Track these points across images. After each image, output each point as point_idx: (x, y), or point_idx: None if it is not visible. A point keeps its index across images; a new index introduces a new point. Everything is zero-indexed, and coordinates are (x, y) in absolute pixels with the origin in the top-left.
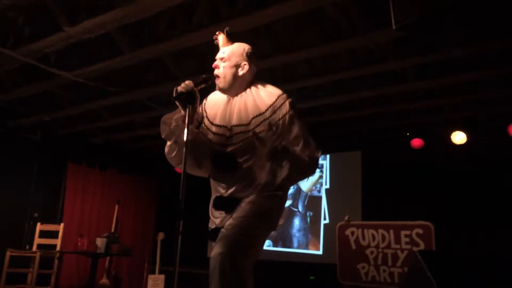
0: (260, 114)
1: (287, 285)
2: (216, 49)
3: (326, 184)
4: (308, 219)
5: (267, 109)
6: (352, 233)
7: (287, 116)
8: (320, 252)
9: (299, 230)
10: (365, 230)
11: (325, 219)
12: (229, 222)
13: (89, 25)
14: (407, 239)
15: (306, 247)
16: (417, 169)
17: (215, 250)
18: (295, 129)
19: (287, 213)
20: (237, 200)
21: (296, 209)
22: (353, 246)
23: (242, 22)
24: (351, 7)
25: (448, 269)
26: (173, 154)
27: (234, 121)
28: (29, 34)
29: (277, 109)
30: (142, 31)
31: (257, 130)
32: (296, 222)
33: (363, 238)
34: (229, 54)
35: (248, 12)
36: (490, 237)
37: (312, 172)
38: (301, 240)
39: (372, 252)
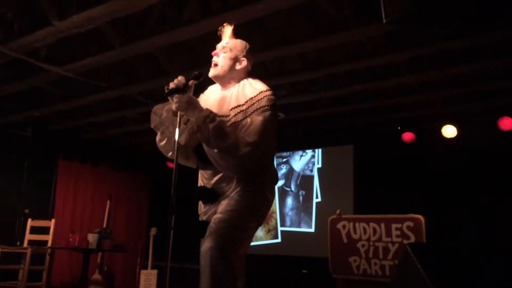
0: (238, 105)
1: (280, 279)
2: (208, 43)
3: (318, 164)
4: (301, 198)
5: (246, 101)
6: (344, 226)
7: (260, 110)
8: (312, 229)
9: (291, 209)
10: (357, 224)
11: (317, 197)
12: (216, 216)
13: (78, 19)
14: (398, 232)
15: (299, 225)
16: (408, 163)
17: (204, 244)
18: (253, 118)
19: (280, 193)
20: (217, 192)
21: (288, 189)
22: (345, 240)
23: (234, 16)
24: (343, 1)
25: (438, 262)
26: (163, 143)
27: (217, 111)
28: (18, 29)
29: (255, 103)
30: (133, 25)
31: (233, 120)
32: (289, 201)
33: (355, 232)
34: (232, 47)
35: (240, 6)
36: (480, 230)
37: (237, 157)
38: (294, 218)
39: (363, 246)
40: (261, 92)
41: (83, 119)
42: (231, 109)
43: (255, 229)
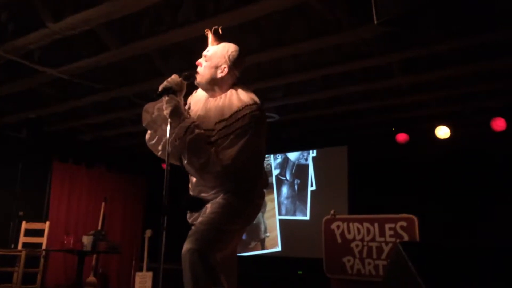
0: (222, 120)
1: (275, 280)
2: (204, 45)
3: (313, 153)
4: (296, 187)
5: (231, 115)
6: (338, 227)
7: (242, 128)
8: (307, 217)
9: (287, 198)
10: (351, 224)
11: (312, 186)
12: (199, 219)
13: (73, 21)
14: (392, 232)
15: (294, 214)
16: (402, 163)
17: (185, 246)
18: (233, 139)
19: (275, 183)
20: (202, 201)
21: (284, 178)
22: (339, 240)
23: (229, 17)
24: (337, 2)
25: (430, 260)
26: (153, 141)
27: (204, 124)
28: (12, 30)
29: (239, 119)
30: (128, 27)
31: (217, 136)
32: (284, 190)
33: (349, 232)
34: (212, 54)
35: (234, 7)
36: (474, 229)
37: (209, 171)
38: (289, 207)
39: (357, 246)
40: (246, 106)
41: (78, 120)
42: (215, 124)
43: (240, 231)
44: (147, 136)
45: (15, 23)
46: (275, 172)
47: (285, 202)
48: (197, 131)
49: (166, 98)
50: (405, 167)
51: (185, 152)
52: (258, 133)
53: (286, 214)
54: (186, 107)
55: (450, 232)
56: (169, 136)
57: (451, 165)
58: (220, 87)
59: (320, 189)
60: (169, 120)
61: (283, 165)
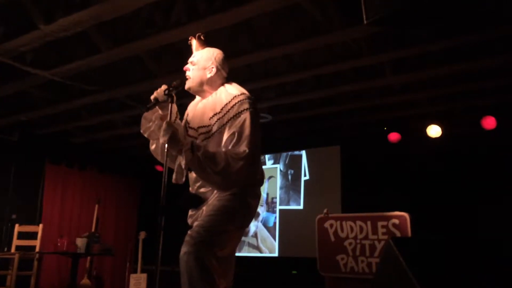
0: (216, 113)
1: (270, 281)
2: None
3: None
4: (289, 177)
5: (222, 108)
6: (331, 225)
7: (238, 116)
8: (300, 207)
9: (280, 188)
10: (344, 222)
11: (305, 175)
12: (196, 223)
13: (65, 23)
14: (384, 230)
15: (288, 203)
16: (394, 162)
17: (182, 249)
18: (235, 129)
19: (269, 174)
20: (199, 197)
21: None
22: (332, 238)
23: (221, 19)
24: (327, 3)
25: (421, 255)
26: (153, 147)
27: (198, 123)
28: (4, 33)
29: (229, 110)
30: (120, 28)
31: (215, 129)
32: (278, 180)
33: (342, 230)
34: (198, 59)
35: (226, 8)
36: (465, 227)
37: (233, 170)
38: (283, 197)
39: (350, 244)
40: (235, 97)
41: (70, 123)
42: (210, 119)
43: (237, 232)
44: (150, 143)
45: (6, 26)
46: (269, 162)
47: (278, 192)
48: (201, 144)
49: (164, 126)
50: (398, 166)
51: (204, 167)
52: (253, 119)
53: (280, 204)
54: (185, 115)
55: (442, 229)
56: (178, 166)
57: (443, 164)
58: (210, 86)
59: (313, 178)
60: (166, 146)
61: (277, 155)
